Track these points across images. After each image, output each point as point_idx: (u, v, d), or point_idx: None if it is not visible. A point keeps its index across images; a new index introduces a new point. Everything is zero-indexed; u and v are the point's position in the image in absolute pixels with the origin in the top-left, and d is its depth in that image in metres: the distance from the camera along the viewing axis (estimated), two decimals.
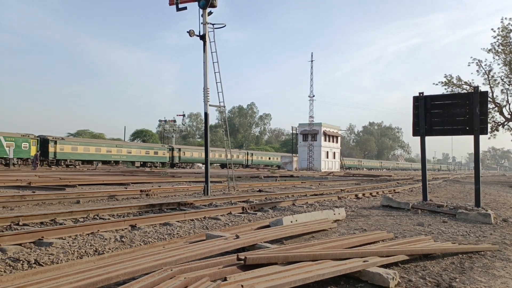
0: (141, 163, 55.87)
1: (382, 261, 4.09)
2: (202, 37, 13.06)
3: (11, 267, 3.97)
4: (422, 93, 10.57)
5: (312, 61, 67.06)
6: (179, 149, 62.40)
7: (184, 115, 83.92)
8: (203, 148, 14.57)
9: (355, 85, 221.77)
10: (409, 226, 7.40)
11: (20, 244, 4.81)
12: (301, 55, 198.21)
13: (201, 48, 13.19)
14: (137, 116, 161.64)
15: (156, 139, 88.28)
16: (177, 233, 6.10)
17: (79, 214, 7.42)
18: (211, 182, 13.78)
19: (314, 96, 66.25)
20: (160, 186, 15.28)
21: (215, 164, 64.48)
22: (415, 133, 10.68)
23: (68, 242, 5.04)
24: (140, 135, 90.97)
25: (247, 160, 75.74)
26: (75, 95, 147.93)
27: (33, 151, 42.18)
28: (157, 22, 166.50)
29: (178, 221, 7.08)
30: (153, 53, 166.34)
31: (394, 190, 17.08)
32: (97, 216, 7.53)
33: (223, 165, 64.35)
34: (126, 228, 6.23)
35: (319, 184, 21.50)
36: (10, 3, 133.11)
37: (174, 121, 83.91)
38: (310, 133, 67.25)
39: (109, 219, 7.14)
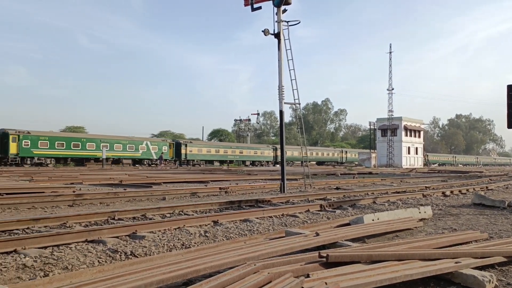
0: (251, 162, 60.96)
1: (476, 263, 3.79)
2: (277, 35, 13.14)
3: (111, 258, 4.37)
4: None
5: (390, 52, 63.74)
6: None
7: (258, 114, 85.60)
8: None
9: (440, 76, 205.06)
10: (506, 225, 6.76)
11: (117, 237, 5.26)
12: (379, 47, 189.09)
13: (275, 46, 13.29)
14: (214, 116, 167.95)
15: (232, 138, 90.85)
16: (257, 230, 6.24)
17: (166, 210, 7.91)
18: (287, 179, 13.82)
19: (393, 89, 62.93)
20: (237, 184, 15.70)
21: (311, 162, 67.73)
22: (510, 125, 9.73)
23: (158, 236, 5.40)
24: (217, 135, 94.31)
25: (342, 157, 76.50)
26: (157, 98, 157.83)
27: (171, 153, 49.90)
28: (234, 24, 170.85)
29: (257, 218, 7.23)
30: (230, 54, 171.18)
31: (486, 187, 15.70)
32: (182, 212, 7.96)
33: (318, 163, 69.36)
34: (209, 224, 6.51)
35: (401, 181, 20.50)
36: (103, 16, 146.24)
37: (249, 120, 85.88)
38: (389, 128, 64.23)
39: (193, 215, 7.51)
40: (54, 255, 4.28)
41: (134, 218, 7.22)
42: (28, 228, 5.94)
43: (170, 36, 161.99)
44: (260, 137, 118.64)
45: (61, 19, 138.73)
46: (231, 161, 58.11)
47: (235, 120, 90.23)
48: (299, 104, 14.12)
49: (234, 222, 6.81)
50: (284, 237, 5.16)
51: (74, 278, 3.29)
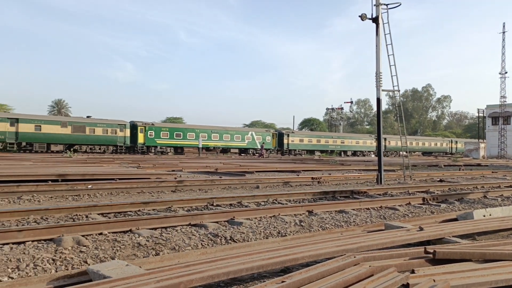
0: (352, 152, 60.58)
1: None
2: (375, 20, 12.53)
3: (212, 241, 4.61)
4: None
5: (504, 32, 56.53)
6: (385, 139, 64.65)
7: (351, 102, 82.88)
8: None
9: None
10: None
11: (217, 222, 5.54)
12: (489, 27, 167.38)
13: (372, 31, 12.70)
14: (305, 105, 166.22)
15: (323, 127, 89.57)
16: (354, 221, 6.08)
17: (260, 198, 8.10)
18: (384, 170, 13.20)
19: (506, 72, 55.86)
20: (330, 174, 15.45)
21: (416, 153, 66.03)
22: None
23: (254, 223, 5.56)
24: (308, 124, 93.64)
25: (451, 148, 72.29)
26: (249, 88, 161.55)
27: (274, 143, 52.62)
28: (327, 10, 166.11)
29: (353, 209, 7.04)
30: (322, 42, 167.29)
31: None
32: (276, 200, 8.08)
33: (423, 153, 67.13)
34: (303, 213, 6.51)
35: None
36: (200, 11, 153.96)
37: (342, 108, 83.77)
38: (501, 116, 57.48)
39: (287, 204, 7.58)
40: (163, 236, 4.66)
41: (231, 204, 7.52)
42: (139, 210, 6.55)
43: (264, 27, 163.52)
44: (353, 126, 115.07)
45: (162, 15, 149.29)
46: (332, 151, 57.87)
47: (327, 108, 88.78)
48: (398, 91, 13.35)
49: (329, 212, 6.72)
50: (383, 230, 4.95)
51: (181, 259, 3.55)
